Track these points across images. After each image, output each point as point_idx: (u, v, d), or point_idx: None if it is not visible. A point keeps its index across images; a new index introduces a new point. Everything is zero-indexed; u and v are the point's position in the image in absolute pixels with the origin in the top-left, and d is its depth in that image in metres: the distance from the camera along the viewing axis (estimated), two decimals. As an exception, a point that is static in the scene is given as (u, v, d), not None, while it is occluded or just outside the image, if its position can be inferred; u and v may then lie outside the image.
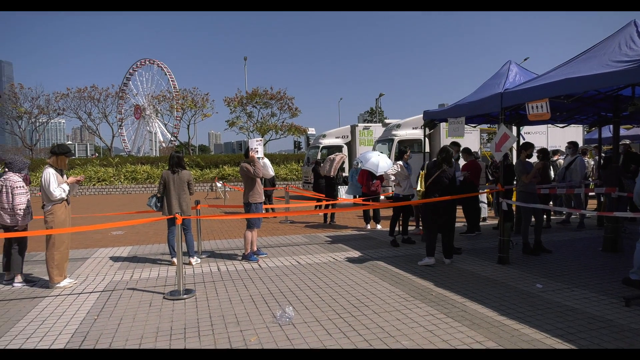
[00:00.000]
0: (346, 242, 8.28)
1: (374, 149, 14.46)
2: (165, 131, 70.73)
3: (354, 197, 10.82)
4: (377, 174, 9.19)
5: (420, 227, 8.86)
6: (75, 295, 5.18)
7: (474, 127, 10.40)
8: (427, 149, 10.45)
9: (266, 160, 7.34)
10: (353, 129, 18.35)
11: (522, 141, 8.04)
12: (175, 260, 6.25)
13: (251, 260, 6.78)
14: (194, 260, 6.68)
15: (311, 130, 35.44)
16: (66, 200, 5.62)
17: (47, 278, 5.62)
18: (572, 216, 10.16)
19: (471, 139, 13.35)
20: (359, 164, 9.68)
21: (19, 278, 5.69)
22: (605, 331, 3.79)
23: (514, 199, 7.28)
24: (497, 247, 6.42)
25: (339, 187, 12.11)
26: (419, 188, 6.66)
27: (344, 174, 13.04)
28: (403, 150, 8.35)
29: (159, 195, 6.64)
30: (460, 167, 8.71)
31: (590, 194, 10.72)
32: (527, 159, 7.08)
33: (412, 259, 6.69)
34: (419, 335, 3.79)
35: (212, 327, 4.09)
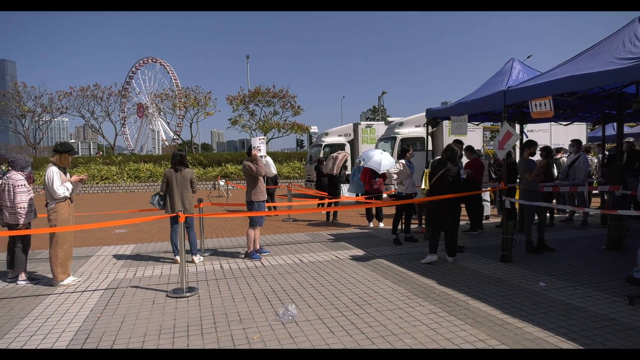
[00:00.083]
0: (349, 240, 8.28)
1: (376, 147, 14.44)
2: (168, 129, 70.86)
3: (357, 195, 10.82)
4: (380, 172, 9.19)
5: (423, 226, 8.86)
6: (78, 293, 5.20)
7: (477, 125, 10.38)
8: (430, 147, 10.42)
9: (269, 159, 7.34)
10: (356, 127, 18.33)
11: (525, 139, 8.02)
12: (178, 258, 6.27)
13: (254, 258, 6.79)
14: (197, 258, 6.69)
15: (314, 129, 35.40)
16: (69, 198, 5.63)
17: (50, 276, 5.64)
18: (576, 214, 10.13)
19: (474, 137, 13.31)
20: (362, 162, 9.67)
21: (22, 276, 5.71)
22: (609, 330, 3.78)
23: (517, 197, 7.27)
24: (500, 245, 6.41)
25: (342, 185, 12.11)
26: (423, 186, 6.66)
27: (346, 172, 13.03)
28: (405, 148, 8.33)
29: (161, 193, 6.65)
30: (463, 165, 8.69)
31: (594, 192, 10.69)
32: (530, 157, 7.06)
33: (415, 257, 6.68)
34: (421, 334, 3.79)
35: (215, 325, 4.10)
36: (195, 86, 42.62)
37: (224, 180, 20.29)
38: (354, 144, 18.18)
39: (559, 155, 11.13)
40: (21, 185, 5.67)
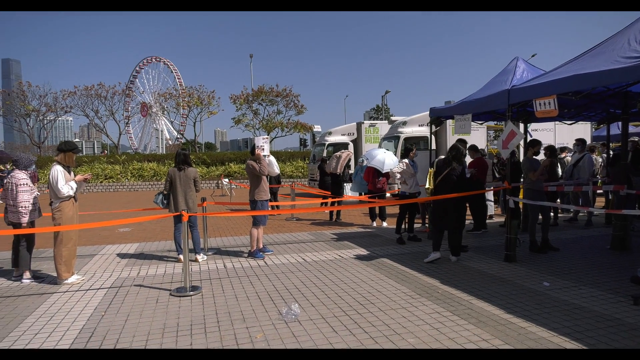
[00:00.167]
0: (352, 239, 8.27)
1: (379, 147, 14.41)
2: (172, 129, 70.99)
3: (359, 194, 10.81)
4: (383, 172, 9.17)
5: (426, 225, 8.84)
6: (82, 292, 5.23)
7: (481, 124, 10.34)
8: (434, 147, 10.39)
9: (272, 158, 7.35)
10: (359, 126, 18.31)
11: (529, 138, 7.99)
12: (181, 257, 6.29)
13: (257, 257, 6.79)
14: (200, 257, 6.71)
15: (317, 128, 35.38)
16: (74, 197, 5.66)
17: (55, 274, 5.66)
18: (580, 214, 10.09)
19: (478, 136, 13.26)
20: (365, 162, 9.66)
21: (27, 274, 5.74)
22: (613, 330, 3.76)
23: (521, 196, 7.24)
24: (504, 245, 6.39)
25: (345, 184, 12.10)
26: (427, 185, 6.65)
27: (350, 171, 13.03)
28: (409, 147, 8.32)
29: (165, 192, 6.67)
30: (467, 164, 8.67)
31: (598, 191, 10.64)
32: (534, 156, 7.03)
33: (418, 256, 6.67)
34: (425, 333, 3.78)
35: (218, 324, 4.11)
36: (199, 85, 42.82)
37: (227, 180, 20.33)
38: (357, 143, 18.17)
39: (563, 155, 11.08)
40: (23, 184, 5.70)
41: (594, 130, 16.19)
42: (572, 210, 10.16)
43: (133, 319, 4.30)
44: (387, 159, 9.19)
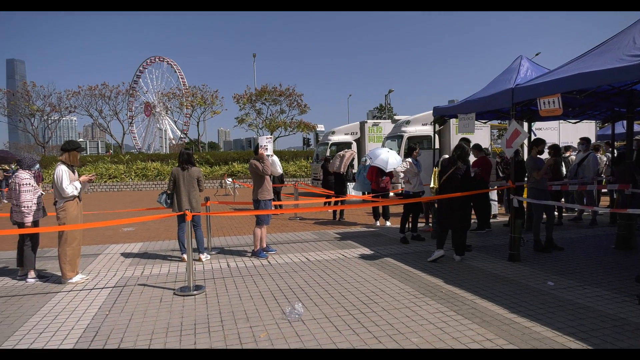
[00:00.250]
0: (355, 238, 8.27)
1: (383, 146, 14.39)
2: (175, 128, 71.23)
3: (362, 193, 10.80)
4: (387, 171, 9.16)
5: (430, 224, 8.83)
6: (87, 291, 5.24)
7: (485, 123, 10.31)
8: (437, 146, 10.37)
9: (275, 158, 7.36)
10: (362, 125, 18.29)
11: (533, 137, 7.96)
12: (185, 256, 6.30)
13: (260, 257, 6.80)
14: (204, 256, 6.72)
15: (320, 127, 35.37)
16: (78, 197, 5.68)
17: (59, 274, 5.69)
18: (584, 213, 10.04)
19: (481, 135, 13.22)
20: (368, 161, 9.65)
21: (32, 274, 5.77)
22: (618, 330, 3.75)
23: (525, 195, 7.21)
24: (508, 245, 6.37)
25: (348, 183, 12.08)
26: (432, 185, 6.64)
27: (353, 171, 13.02)
28: (412, 146, 8.30)
29: (169, 192, 6.68)
30: (470, 163, 8.64)
31: (603, 190, 10.59)
32: (538, 155, 7.00)
33: (422, 256, 6.66)
34: (428, 333, 3.77)
35: (222, 323, 4.11)
36: (202, 85, 42.98)
37: (230, 179, 20.36)
38: (360, 142, 18.14)
39: (567, 154, 11.03)
40: (26, 184, 5.72)
41: (598, 129, 16.11)
42: (576, 209, 10.12)
43: (137, 318, 4.31)
44: (391, 158, 9.18)
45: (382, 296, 4.81)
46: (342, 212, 11.11)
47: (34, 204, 5.78)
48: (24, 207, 5.68)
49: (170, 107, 49.05)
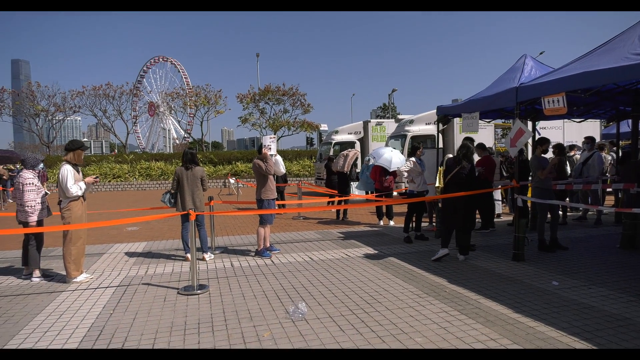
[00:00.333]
0: (359, 238, 8.26)
1: (386, 145, 14.38)
2: (179, 128, 71.43)
3: (366, 193, 10.79)
4: (390, 170, 9.15)
5: (434, 224, 8.81)
6: (91, 290, 5.27)
7: (488, 122, 10.28)
8: (441, 145, 10.34)
9: (278, 158, 7.35)
10: (366, 124, 18.27)
11: (537, 136, 7.93)
12: (189, 255, 6.32)
13: (264, 256, 6.81)
14: (208, 256, 6.73)
15: (323, 127, 35.38)
16: (82, 196, 5.70)
17: (64, 273, 5.72)
18: (589, 212, 10.00)
19: (485, 134, 13.18)
20: (372, 160, 9.64)
21: (37, 273, 5.79)
22: (623, 330, 3.73)
23: (529, 195, 7.19)
24: (512, 244, 6.35)
25: (352, 183, 12.08)
26: (437, 184, 6.63)
27: (357, 170, 13.01)
28: (416, 146, 8.29)
29: (172, 191, 6.70)
30: (474, 162, 8.62)
31: (608, 190, 10.54)
32: (542, 155, 6.98)
33: (426, 255, 6.65)
34: (432, 332, 3.77)
35: (225, 323, 4.12)
36: (206, 84, 42.92)
37: (234, 179, 20.39)
38: (364, 141, 18.13)
39: (572, 153, 10.98)
40: (29, 183, 5.75)
41: (603, 128, 16.03)
42: (581, 208, 10.07)
43: (141, 317, 4.33)
44: (394, 158, 9.17)
45: (386, 296, 4.80)
46: (345, 211, 11.11)
47: (38, 203, 5.80)
48: (28, 206, 5.70)
49: (174, 106, 49.19)
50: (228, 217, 11.51)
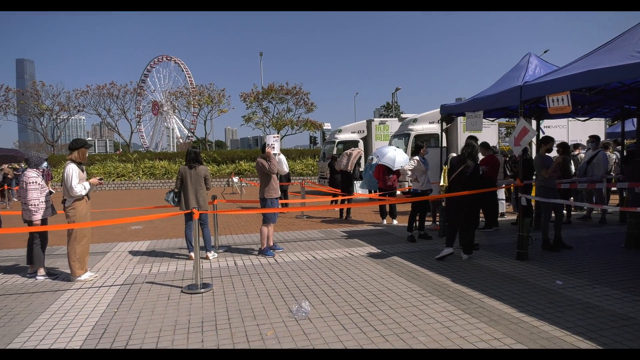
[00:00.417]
0: (362, 237, 8.26)
1: (390, 144, 14.36)
2: (183, 127, 71.56)
3: (369, 192, 10.78)
4: (394, 169, 9.14)
5: (437, 223, 8.80)
6: (95, 289, 5.29)
7: (492, 121, 10.24)
8: (444, 144, 10.33)
9: (282, 157, 7.37)
10: (369, 123, 18.24)
11: (541, 135, 7.89)
12: (192, 254, 6.33)
13: (267, 255, 6.81)
14: (211, 254, 6.74)
15: (327, 126, 35.34)
16: (87, 195, 5.72)
17: (68, 271, 5.74)
18: (594, 212, 9.95)
19: (489, 133, 13.14)
20: (375, 159, 9.63)
21: (41, 271, 5.82)
22: (628, 329, 3.71)
23: (533, 194, 7.16)
24: (516, 243, 6.33)
25: (355, 182, 12.06)
26: (442, 183, 6.62)
27: (360, 169, 13.00)
28: (420, 145, 8.27)
29: (176, 190, 6.71)
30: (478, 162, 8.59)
31: (613, 188, 10.49)
32: (546, 153, 6.95)
33: (429, 254, 6.64)
34: (436, 332, 3.76)
35: (229, 321, 4.13)
36: (209, 84, 43.07)
37: (237, 177, 20.42)
38: (367, 140, 18.10)
39: (576, 152, 10.93)
40: (33, 182, 5.77)
41: (608, 126, 15.95)
42: (585, 207, 10.03)
43: (145, 315, 4.34)
44: (398, 157, 9.16)
45: (389, 295, 4.80)
46: (348, 210, 11.10)
47: (42, 202, 5.82)
48: (31, 205, 5.73)
49: (178, 105, 49.35)
50: (231, 216, 11.53)
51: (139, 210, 12.55)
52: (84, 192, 5.58)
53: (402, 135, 15.07)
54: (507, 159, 10.05)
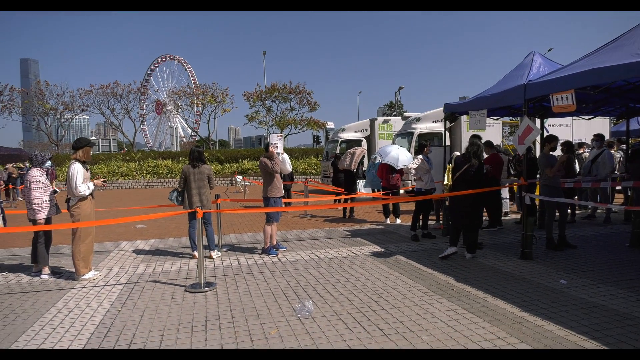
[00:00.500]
0: (365, 236, 8.25)
1: (393, 143, 14.35)
2: (186, 126, 71.71)
3: (373, 190, 10.77)
4: (398, 168, 9.13)
5: (441, 222, 8.78)
6: (99, 287, 5.31)
7: (496, 120, 10.22)
8: (448, 143, 10.30)
9: (285, 156, 7.36)
10: (372, 122, 18.23)
11: (545, 134, 7.86)
12: (196, 253, 6.34)
13: (271, 254, 6.82)
14: (215, 253, 6.76)
15: (330, 125, 35.34)
16: (91, 194, 5.74)
17: (73, 270, 5.77)
18: (598, 211, 9.91)
19: (493, 132, 13.11)
20: (378, 158, 9.62)
21: (46, 270, 5.85)
22: (633, 329, 3.69)
23: (537, 193, 7.13)
24: (520, 242, 6.31)
25: (359, 181, 12.05)
26: (446, 182, 6.60)
27: (363, 168, 12.99)
28: (423, 144, 8.26)
29: (180, 189, 6.73)
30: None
31: (617, 187, 10.44)
32: (550, 152, 6.92)
33: (433, 253, 6.63)
34: (439, 331, 3.75)
35: (232, 320, 4.14)
36: (213, 83, 43.07)
37: (241, 177, 20.45)
38: (370, 139, 18.10)
39: (580, 150, 10.88)
40: (36, 181, 5.80)
41: (612, 125, 15.88)
42: (590, 206, 9.98)
43: (149, 314, 4.35)
44: (401, 156, 9.15)
45: (393, 294, 4.79)
46: (352, 209, 11.10)
47: (45, 201, 5.84)
48: (35, 204, 5.75)
49: (181, 105, 49.40)
50: (235, 215, 11.55)
51: (143, 210, 12.59)
52: (87, 192, 5.59)
53: (405, 134, 15.05)
54: (511, 158, 10.02)
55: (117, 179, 25.24)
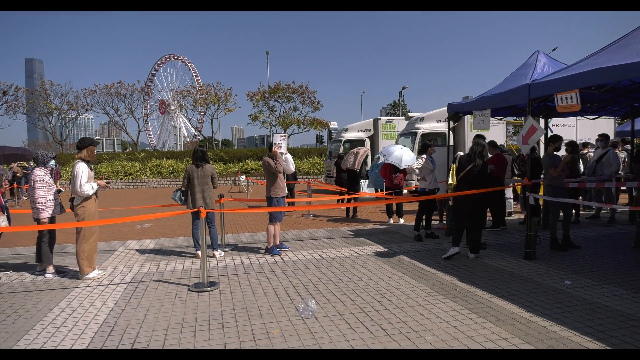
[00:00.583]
0: (369, 236, 8.24)
1: (396, 143, 14.32)
2: (190, 126, 71.87)
3: (376, 190, 10.76)
4: (401, 168, 9.12)
5: (444, 222, 8.76)
6: (103, 286, 5.32)
7: (500, 119, 10.18)
8: (452, 143, 10.28)
9: (288, 156, 7.37)
10: (376, 122, 18.21)
11: (550, 134, 7.83)
12: (199, 253, 6.35)
13: (274, 254, 6.82)
14: (218, 253, 6.77)
15: (333, 124, 35.36)
16: (95, 194, 5.76)
17: (77, 269, 5.79)
18: (602, 211, 9.86)
19: (497, 132, 13.07)
20: (382, 158, 9.61)
21: (50, 269, 5.87)
22: (637, 329, 3.67)
23: (541, 193, 7.11)
24: (524, 243, 6.29)
25: (362, 180, 12.04)
26: (450, 181, 6.59)
27: (366, 168, 12.98)
28: (427, 143, 8.24)
29: (183, 189, 6.74)
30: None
31: (622, 187, 10.38)
32: (555, 152, 6.89)
33: (436, 253, 6.61)
34: (442, 331, 3.75)
35: (235, 319, 4.14)
36: (216, 82, 43.18)
37: (244, 176, 20.47)
38: (374, 139, 18.07)
39: (585, 150, 10.83)
40: (40, 180, 5.82)
41: (617, 125, 15.79)
42: (594, 207, 9.94)
43: (152, 313, 4.37)
44: (405, 155, 9.13)
45: (396, 294, 4.78)
46: (355, 209, 11.09)
47: (49, 200, 5.86)
48: (39, 203, 5.78)
49: (185, 104, 49.56)
50: (238, 215, 11.57)
51: (147, 209, 12.61)
52: (91, 192, 5.61)
53: (409, 133, 15.03)
54: (515, 158, 9.98)
55: (121, 179, 25.33)
